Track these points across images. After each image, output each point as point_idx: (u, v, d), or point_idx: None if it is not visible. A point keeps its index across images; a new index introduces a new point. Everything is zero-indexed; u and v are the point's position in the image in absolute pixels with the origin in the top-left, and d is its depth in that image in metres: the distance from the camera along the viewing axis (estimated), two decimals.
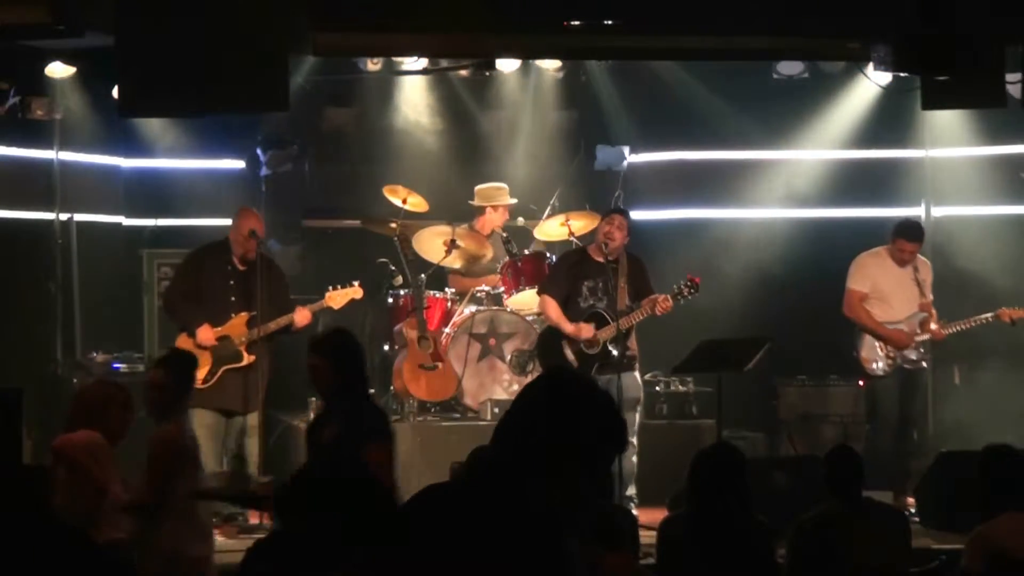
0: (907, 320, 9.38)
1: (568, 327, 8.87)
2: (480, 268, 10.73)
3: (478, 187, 10.85)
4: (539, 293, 9.24)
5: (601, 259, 8.90)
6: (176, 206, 10.89)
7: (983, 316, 9.48)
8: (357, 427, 5.83)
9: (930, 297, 9.52)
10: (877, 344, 9.36)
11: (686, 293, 8.78)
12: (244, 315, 8.91)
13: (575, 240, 10.16)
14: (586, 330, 8.82)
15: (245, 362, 8.89)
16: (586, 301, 8.92)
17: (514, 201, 10.82)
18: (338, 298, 9.16)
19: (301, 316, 8.91)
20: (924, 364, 9.51)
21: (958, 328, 9.50)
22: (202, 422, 8.76)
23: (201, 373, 8.83)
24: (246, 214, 9.01)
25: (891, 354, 9.34)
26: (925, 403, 9.98)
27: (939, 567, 6.19)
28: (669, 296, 8.75)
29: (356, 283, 9.24)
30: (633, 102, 11.57)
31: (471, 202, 10.81)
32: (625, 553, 4.80)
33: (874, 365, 9.39)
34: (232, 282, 8.95)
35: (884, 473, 8.83)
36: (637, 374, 9.05)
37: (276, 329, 8.90)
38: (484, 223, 10.77)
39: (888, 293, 9.42)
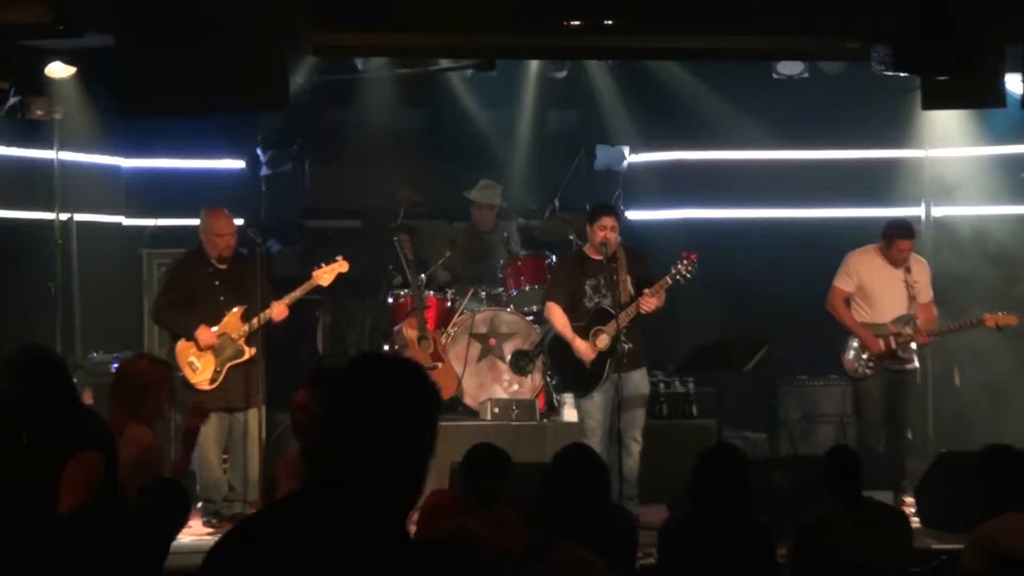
0: (893, 322, 9.35)
1: (576, 343, 8.82)
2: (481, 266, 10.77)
3: None
4: (544, 301, 9.21)
5: (599, 257, 8.89)
6: (176, 206, 10.86)
7: (968, 320, 9.45)
8: None
9: (929, 296, 9.51)
10: (860, 347, 9.34)
11: (684, 272, 8.70)
12: (237, 310, 8.94)
13: (575, 240, 10.16)
14: (587, 351, 8.77)
15: (247, 356, 8.91)
16: (591, 300, 8.89)
17: (488, 201, 10.82)
18: (325, 275, 9.16)
19: (276, 310, 8.92)
20: (908, 366, 9.44)
21: (943, 331, 9.47)
22: (209, 425, 8.77)
23: (207, 374, 8.87)
24: (212, 214, 9.03)
25: (874, 357, 9.32)
26: (917, 404, 9.99)
27: (939, 567, 6.19)
28: (660, 285, 8.66)
29: (340, 257, 9.23)
30: (633, 102, 11.58)
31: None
32: (571, 544, 4.78)
33: (856, 367, 9.38)
34: (217, 282, 8.99)
35: (882, 473, 8.82)
36: (644, 370, 9.01)
37: (267, 319, 8.94)
38: (475, 220, 10.88)
39: (875, 294, 9.40)
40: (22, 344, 5.53)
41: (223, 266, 9.00)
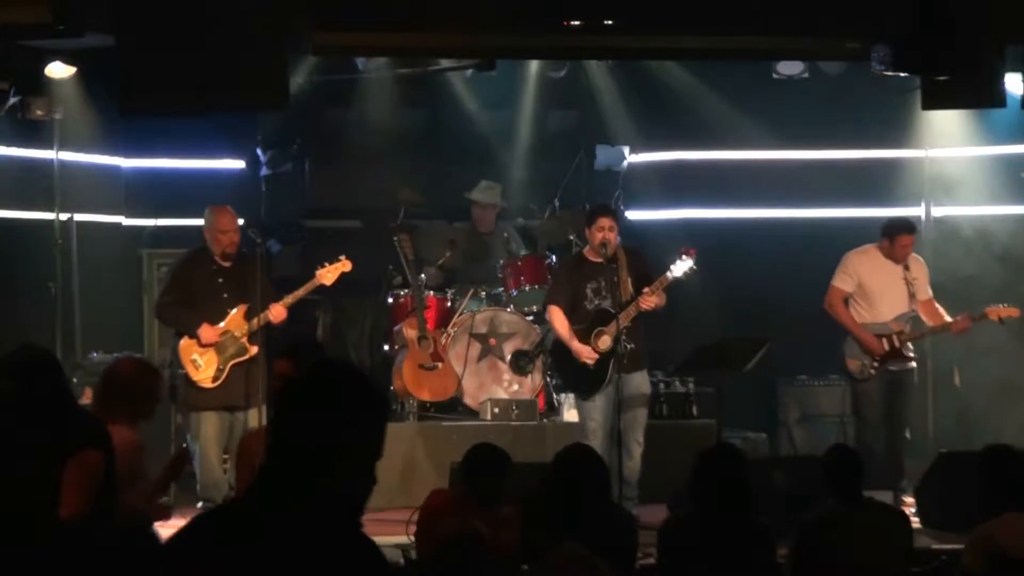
0: (894, 321, 9.35)
1: (574, 345, 8.78)
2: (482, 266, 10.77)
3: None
4: (545, 305, 9.19)
5: (599, 259, 8.87)
6: (176, 206, 10.87)
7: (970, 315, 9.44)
8: None
9: (928, 293, 9.50)
10: (860, 348, 9.33)
11: (684, 268, 8.66)
12: (241, 307, 8.94)
13: (575, 241, 10.16)
14: (587, 354, 8.73)
15: (250, 354, 8.91)
16: (591, 302, 8.86)
17: (489, 201, 10.82)
18: (328, 274, 9.17)
19: (275, 312, 8.91)
20: (908, 365, 9.44)
21: (947, 326, 9.46)
22: (210, 425, 8.77)
23: (210, 372, 8.87)
24: (216, 211, 9.03)
25: (876, 357, 9.31)
26: (917, 404, 9.97)
27: (939, 567, 6.19)
28: (659, 283, 8.63)
29: (343, 257, 9.24)
30: (633, 102, 11.58)
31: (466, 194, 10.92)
32: (571, 544, 4.76)
33: (858, 369, 9.36)
34: (220, 280, 8.99)
35: (882, 473, 8.82)
36: (646, 372, 8.99)
37: (266, 321, 8.94)
38: (475, 220, 10.86)
39: (876, 293, 9.39)
40: (19, 344, 5.53)
41: (227, 264, 9.00)
